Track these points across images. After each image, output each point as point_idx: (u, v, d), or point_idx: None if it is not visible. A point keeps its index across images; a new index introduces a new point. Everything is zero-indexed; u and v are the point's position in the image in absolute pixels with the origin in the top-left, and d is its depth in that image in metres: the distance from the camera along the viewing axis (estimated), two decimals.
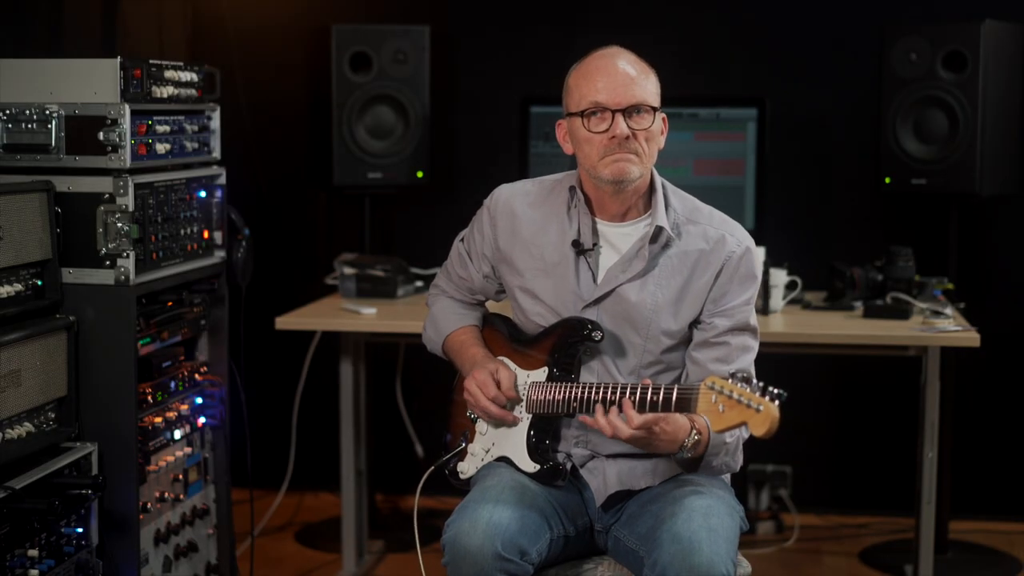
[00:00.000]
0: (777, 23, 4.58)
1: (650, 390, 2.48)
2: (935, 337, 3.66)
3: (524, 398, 2.71)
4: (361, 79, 4.31)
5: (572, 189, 2.73)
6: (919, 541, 3.81)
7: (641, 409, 2.48)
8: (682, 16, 4.62)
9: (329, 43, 4.28)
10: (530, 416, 2.71)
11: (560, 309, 2.71)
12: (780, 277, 3.94)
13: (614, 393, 2.53)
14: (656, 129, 2.64)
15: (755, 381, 2.36)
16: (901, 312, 3.83)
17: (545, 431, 2.71)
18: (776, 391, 2.34)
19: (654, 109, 2.62)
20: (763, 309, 3.88)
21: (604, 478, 2.70)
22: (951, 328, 3.68)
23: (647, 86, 2.63)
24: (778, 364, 4.44)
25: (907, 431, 4.22)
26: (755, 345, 2.70)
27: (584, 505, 2.72)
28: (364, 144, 4.32)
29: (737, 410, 2.34)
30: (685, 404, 2.44)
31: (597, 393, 2.56)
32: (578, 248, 2.70)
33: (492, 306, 3.01)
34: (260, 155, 4.76)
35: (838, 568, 4.26)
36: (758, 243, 4.10)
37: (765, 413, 2.31)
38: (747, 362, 2.68)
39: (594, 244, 2.70)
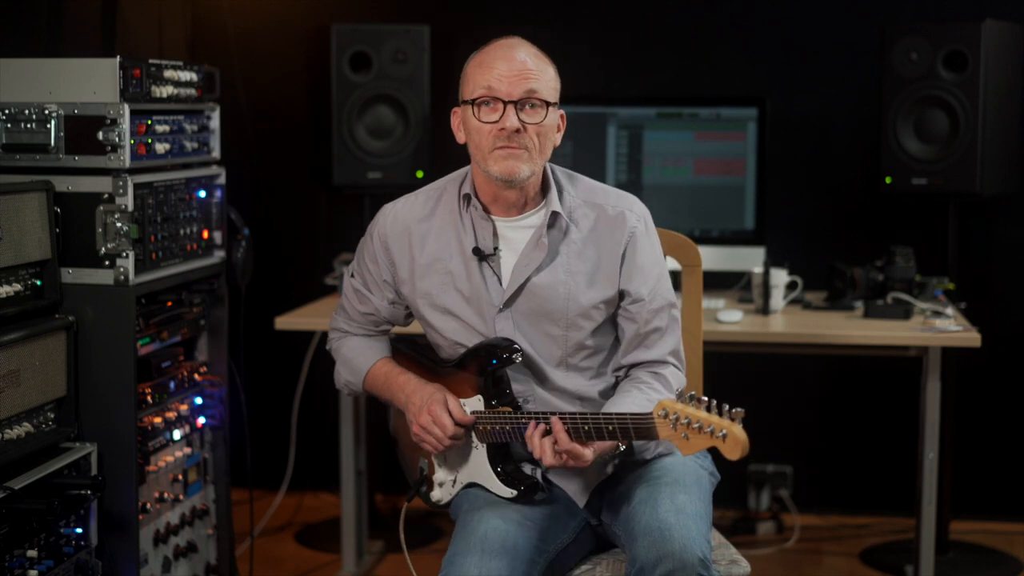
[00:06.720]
0: (777, 23, 4.58)
1: (602, 419, 2.41)
2: (936, 337, 3.65)
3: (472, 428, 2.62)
4: (361, 79, 4.30)
5: (466, 197, 2.64)
6: (920, 541, 3.81)
7: (600, 437, 2.42)
8: (682, 16, 4.62)
9: (329, 43, 4.28)
10: (484, 446, 2.62)
11: (474, 321, 2.63)
12: (780, 277, 3.93)
13: (564, 422, 2.44)
14: (550, 124, 2.57)
15: (705, 399, 2.27)
16: (902, 312, 3.82)
17: (506, 456, 2.62)
18: (734, 410, 2.25)
19: (547, 104, 2.55)
20: (763, 309, 3.88)
21: (579, 478, 2.63)
22: (952, 328, 3.68)
23: (543, 79, 2.55)
24: (778, 364, 4.46)
25: (907, 431, 4.22)
26: (678, 318, 2.69)
27: (570, 509, 2.64)
28: (364, 144, 4.32)
29: (702, 437, 2.26)
30: (647, 432, 2.37)
31: (546, 423, 2.46)
32: (479, 255, 2.62)
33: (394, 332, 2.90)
34: (260, 155, 4.75)
35: (838, 568, 4.25)
36: (758, 243, 4.13)
37: (732, 440, 2.22)
38: (675, 340, 2.67)
39: (495, 249, 2.63)
